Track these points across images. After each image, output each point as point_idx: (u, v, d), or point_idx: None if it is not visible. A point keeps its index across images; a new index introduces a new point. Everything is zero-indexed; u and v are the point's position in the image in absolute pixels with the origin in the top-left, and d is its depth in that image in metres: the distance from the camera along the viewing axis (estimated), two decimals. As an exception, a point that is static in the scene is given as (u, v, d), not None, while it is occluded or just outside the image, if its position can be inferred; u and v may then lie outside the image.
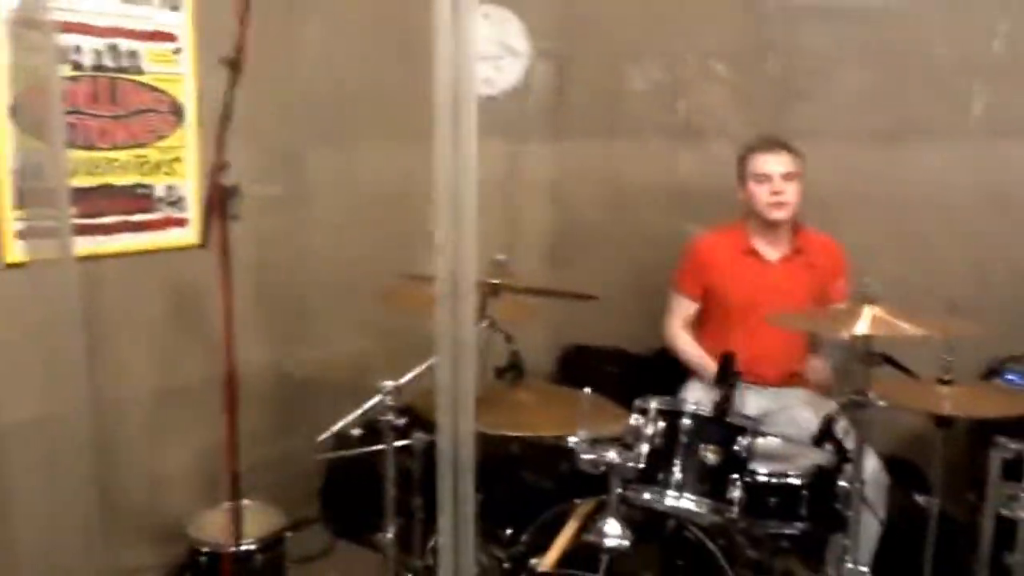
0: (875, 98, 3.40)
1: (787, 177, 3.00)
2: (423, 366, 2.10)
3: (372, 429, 2.33)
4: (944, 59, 3.27)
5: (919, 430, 3.14)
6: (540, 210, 4.05)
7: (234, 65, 1.81)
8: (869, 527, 2.63)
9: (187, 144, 3.04)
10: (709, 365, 2.91)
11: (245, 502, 2.79)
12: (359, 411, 2.08)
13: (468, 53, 1.25)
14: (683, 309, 3.19)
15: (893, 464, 3.04)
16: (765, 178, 3.01)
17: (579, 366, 3.89)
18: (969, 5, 3.24)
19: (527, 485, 2.84)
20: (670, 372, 3.25)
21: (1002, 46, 3.17)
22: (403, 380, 2.08)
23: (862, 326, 2.18)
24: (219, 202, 1.82)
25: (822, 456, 2.39)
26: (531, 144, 3.98)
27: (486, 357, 2.52)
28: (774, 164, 3.00)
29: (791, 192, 3.00)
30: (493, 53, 3.80)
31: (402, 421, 2.11)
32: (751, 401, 2.95)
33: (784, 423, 2.95)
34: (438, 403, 1.38)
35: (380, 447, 2.27)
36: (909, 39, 3.32)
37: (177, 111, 3.01)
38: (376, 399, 2.09)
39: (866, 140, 3.40)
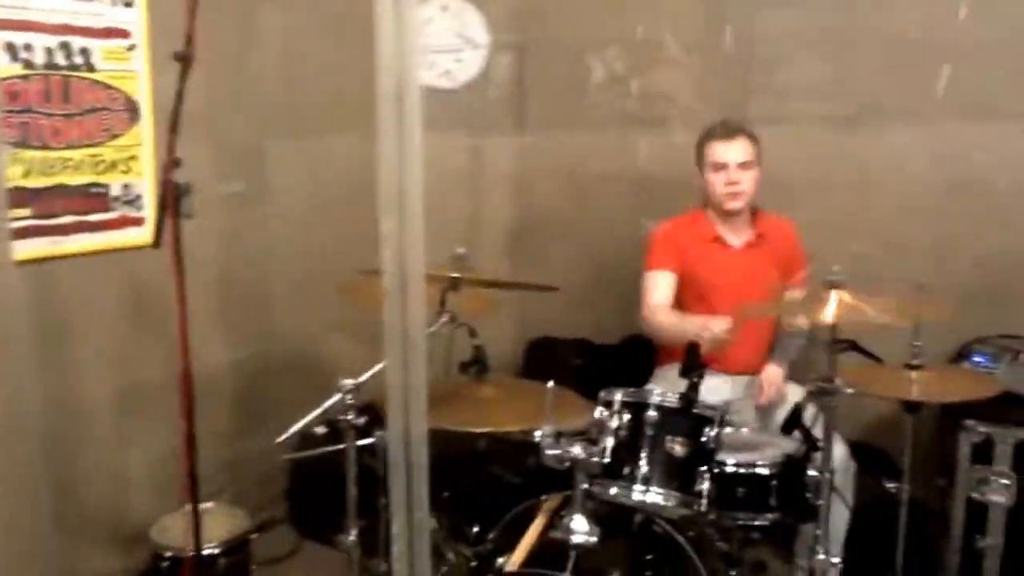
0: (835, 82, 3.40)
1: (743, 166, 2.97)
2: (382, 364, 2.06)
3: (336, 428, 2.29)
4: (905, 42, 3.26)
5: (887, 415, 3.15)
6: (503, 202, 4.02)
7: (185, 60, 1.76)
8: (839, 515, 2.63)
9: (143, 142, 2.98)
10: (696, 321, 2.78)
11: (209, 505, 2.74)
12: (318, 411, 2.03)
13: (410, 41, 1.22)
14: (662, 285, 3.03)
15: (861, 450, 3.04)
16: (721, 167, 2.98)
17: (544, 358, 3.86)
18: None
19: (495, 480, 2.81)
20: (636, 362, 3.23)
21: (963, 29, 3.17)
22: (362, 378, 2.04)
23: (830, 312, 2.17)
24: (171, 201, 1.77)
25: (790, 445, 2.37)
26: (493, 136, 3.95)
27: (450, 352, 2.50)
28: (730, 153, 2.97)
29: (747, 181, 2.98)
30: (452, 45, 3.75)
31: (362, 420, 2.06)
32: (719, 389, 2.93)
33: (752, 411, 2.95)
34: (388, 401, 1.34)
35: (343, 446, 2.23)
36: (869, 23, 3.32)
37: (132, 108, 2.94)
38: (335, 398, 2.04)
39: (827, 124, 3.40)
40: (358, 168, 3.48)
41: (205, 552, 2.45)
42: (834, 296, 2.22)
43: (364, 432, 2.15)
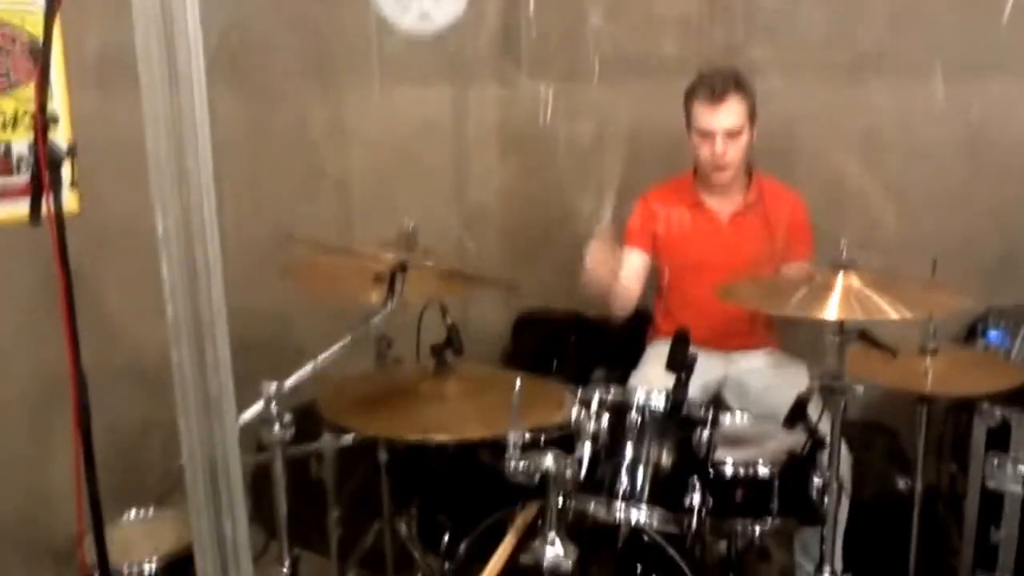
0: (839, 31, 3.11)
1: (732, 135, 2.65)
2: (312, 363, 1.76)
3: (302, 416, 2.01)
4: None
5: (894, 394, 2.91)
6: (490, 159, 3.66)
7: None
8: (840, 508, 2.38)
9: (52, 92, 2.51)
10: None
11: (150, 512, 2.42)
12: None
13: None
14: (628, 262, 2.82)
15: (866, 430, 2.90)
16: (707, 135, 2.67)
17: (534, 334, 3.53)
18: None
19: (478, 470, 2.56)
20: (633, 336, 2.99)
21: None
22: (288, 382, 1.71)
23: (833, 309, 1.93)
24: (43, 167, 1.44)
25: (792, 440, 2.11)
26: (479, 87, 3.60)
27: (420, 335, 2.29)
28: (717, 120, 2.64)
29: (734, 151, 2.67)
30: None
31: (290, 433, 1.75)
32: (712, 369, 2.72)
33: (747, 393, 2.75)
34: (180, 410, 1.14)
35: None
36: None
37: (36, 52, 2.48)
38: (258, 406, 1.72)
39: (830, 75, 3.12)
40: (318, 123, 3.19)
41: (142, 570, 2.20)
42: (840, 281, 1.97)
43: (305, 436, 1.86)
